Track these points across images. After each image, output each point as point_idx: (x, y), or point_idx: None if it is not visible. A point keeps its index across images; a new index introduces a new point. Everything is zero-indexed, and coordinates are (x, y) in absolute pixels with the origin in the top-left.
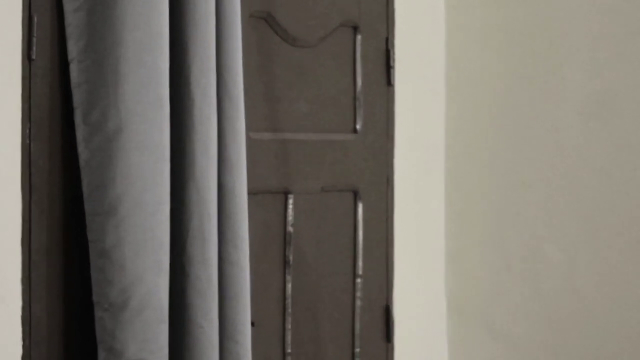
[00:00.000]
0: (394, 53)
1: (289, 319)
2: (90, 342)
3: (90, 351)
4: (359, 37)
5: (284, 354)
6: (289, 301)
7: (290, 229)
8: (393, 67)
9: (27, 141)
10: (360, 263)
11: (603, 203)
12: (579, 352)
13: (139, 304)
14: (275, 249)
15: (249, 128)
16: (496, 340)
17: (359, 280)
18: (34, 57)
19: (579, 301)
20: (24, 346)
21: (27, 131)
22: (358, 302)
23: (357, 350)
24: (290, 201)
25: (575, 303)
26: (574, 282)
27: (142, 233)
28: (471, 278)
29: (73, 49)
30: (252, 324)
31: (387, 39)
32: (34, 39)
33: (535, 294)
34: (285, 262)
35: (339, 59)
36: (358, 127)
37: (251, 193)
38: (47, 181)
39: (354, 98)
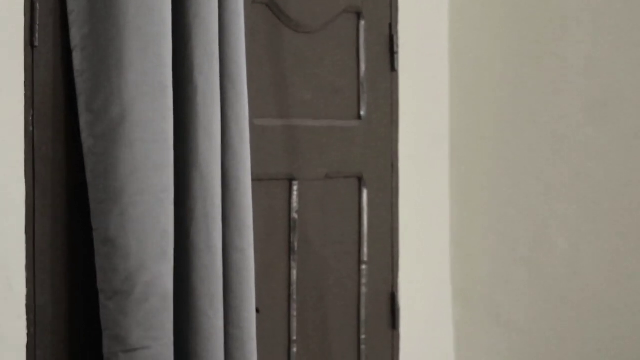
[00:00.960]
0: (397, 39)
1: (294, 306)
2: (95, 329)
3: (95, 338)
4: (362, 22)
5: (289, 341)
6: (294, 288)
7: (295, 215)
8: (397, 53)
9: (30, 128)
10: (365, 250)
11: (608, 191)
12: (584, 340)
13: (144, 291)
14: (280, 235)
15: (252, 114)
16: (501, 327)
17: (364, 266)
18: (36, 44)
19: (584, 289)
20: (28, 334)
21: (30, 118)
22: (363, 289)
23: (363, 337)
24: (295, 188)
25: (580, 291)
26: (579, 270)
27: (147, 220)
28: (476, 265)
29: (76, 36)
30: (257, 310)
31: (390, 25)
32: (37, 26)
33: (540, 281)
34: (290, 249)
35: (343, 45)
36: (362, 113)
37: (255, 180)
38: (50, 168)
39: (358, 84)
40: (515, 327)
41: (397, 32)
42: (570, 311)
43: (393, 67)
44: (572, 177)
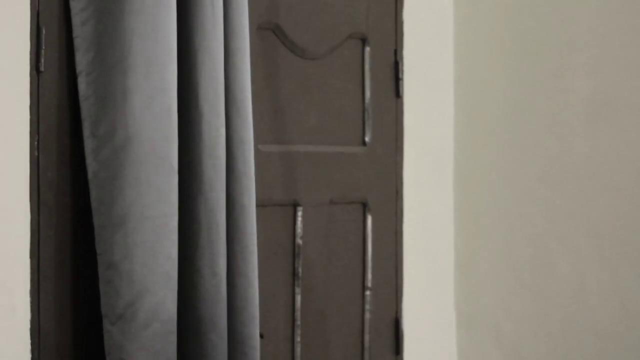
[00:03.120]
0: (402, 65)
1: (298, 332)
2: (99, 354)
3: None
4: (367, 49)
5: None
6: (298, 314)
7: (299, 241)
8: (402, 79)
9: (36, 153)
10: (369, 275)
11: (614, 216)
12: None
13: (147, 316)
14: (284, 261)
15: (257, 140)
16: (505, 352)
17: (368, 292)
18: (42, 69)
19: (588, 315)
20: (32, 358)
21: (36, 143)
22: (367, 315)
23: None
24: (299, 213)
25: (584, 317)
26: (583, 296)
27: (151, 245)
28: (480, 290)
29: (81, 60)
30: (261, 335)
31: (395, 51)
32: (42, 51)
33: (544, 306)
34: (294, 275)
35: (348, 70)
36: (367, 139)
37: (260, 205)
38: (55, 193)
39: (363, 110)
40: (519, 353)
41: (402, 59)
42: (574, 338)
43: (398, 94)
44: (577, 204)
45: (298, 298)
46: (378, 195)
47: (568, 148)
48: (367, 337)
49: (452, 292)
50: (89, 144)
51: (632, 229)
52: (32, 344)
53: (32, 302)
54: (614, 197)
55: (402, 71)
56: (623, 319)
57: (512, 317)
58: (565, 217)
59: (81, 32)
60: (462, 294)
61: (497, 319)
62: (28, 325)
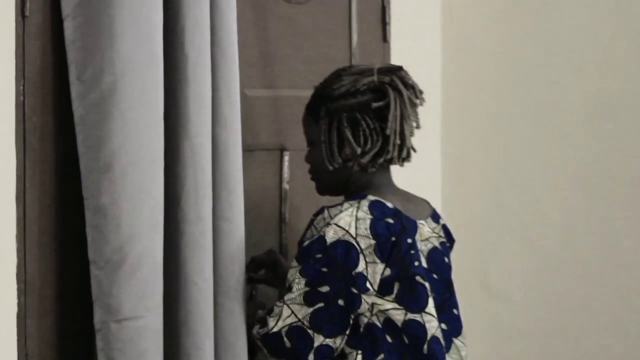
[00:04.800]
0: (389, 9)
1: None
2: (86, 299)
3: (85, 308)
4: None
5: None
6: (285, 258)
7: (286, 186)
8: (389, 24)
9: (21, 97)
10: None
11: (602, 163)
12: (576, 313)
13: (135, 262)
14: (271, 205)
15: (244, 85)
16: (493, 299)
17: None
18: (27, 14)
19: (576, 262)
20: (19, 303)
21: (21, 88)
22: None
23: None
24: (286, 158)
25: (573, 264)
26: (572, 243)
27: (138, 190)
28: (468, 240)
29: (67, 5)
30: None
31: None
32: None
33: (533, 254)
34: (281, 219)
35: (335, 15)
36: None
37: (246, 150)
38: (41, 138)
39: (350, 55)
40: (507, 300)
41: (389, 3)
42: (563, 285)
43: (385, 38)
44: (565, 151)
45: (285, 243)
46: None
47: (558, 93)
48: None
49: None
50: (75, 89)
51: (620, 175)
52: (18, 290)
53: (18, 248)
54: (602, 143)
55: (389, 15)
56: (611, 266)
57: (500, 265)
58: (554, 164)
59: None
60: None
61: (485, 266)
62: (14, 270)
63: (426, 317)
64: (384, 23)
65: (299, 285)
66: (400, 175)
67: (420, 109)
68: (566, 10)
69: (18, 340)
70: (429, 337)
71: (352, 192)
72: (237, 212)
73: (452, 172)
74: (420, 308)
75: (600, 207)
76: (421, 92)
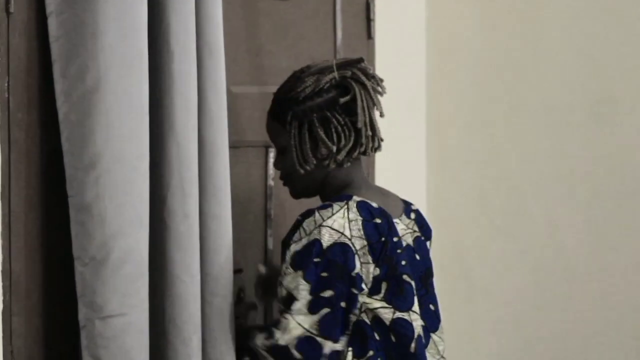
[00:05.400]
0: (374, 6)
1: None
2: (71, 296)
3: (70, 305)
4: None
5: (266, 308)
6: (270, 255)
7: (271, 182)
8: (373, 20)
9: (6, 95)
10: None
11: (587, 160)
12: (559, 309)
13: (120, 258)
14: (257, 202)
15: (230, 82)
16: (477, 295)
17: None
18: (12, 10)
19: (560, 258)
20: (4, 301)
21: (6, 85)
22: None
23: None
24: (271, 155)
25: (556, 260)
26: (556, 240)
27: (123, 187)
28: (453, 235)
29: (51, 1)
30: (240, 270)
31: None
32: None
33: (516, 250)
34: (266, 216)
35: (319, 12)
36: None
37: (232, 147)
38: (26, 134)
39: (335, 52)
40: (491, 296)
41: (373, 0)
42: (545, 279)
43: (369, 35)
44: (549, 147)
45: (270, 240)
46: None
47: (543, 90)
48: None
49: None
50: (59, 86)
51: (605, 173)
52: (3, 287)
53: (2, 244)
54: (587, 140)
55: (374, 12)
56: (595, 262)
57: (484, 260)
58: (538, 160)
59: None
60: (435, 238)
61: (469, 262)
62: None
63: (413, 316)
64: (369, 20)
65: (303, 292)
66: (385, 172)
67: (405, 106)
68: (551, 7)
69: (3, 337)
70: (415, 336)
71: (329, 192)
72: (225, 209)
73: (436, 169)
74: (408, 307)
75: (584, 204)
76: (382, 81)
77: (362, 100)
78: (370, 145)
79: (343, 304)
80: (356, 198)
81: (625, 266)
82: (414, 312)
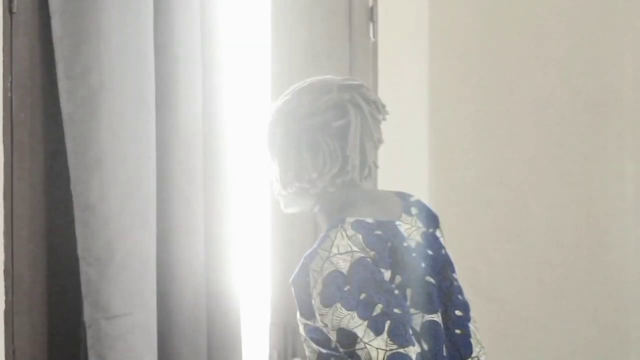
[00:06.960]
0: (377, 7)
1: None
2: (75, 296)
3: (74, 305)
4: None
5: None
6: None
7: None
8: (376, 22)
9: (9, 94)
10: None
11: (590, 161)
12: (564, 312)
13: (125, 257)
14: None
15: None
16: (480, 296)
17: None
18: (15, 10)
19: (565, 261)
20: (6, 300)
21: (9, 84)
22: None
23: None
24: None
25: (561, 263)
26: (560, 242)
27: (127, 186)
28: (457, 238)
29: (54, 1)
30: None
31: None
32: None
33: (521, 253)
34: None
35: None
36: None
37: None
38: (29, 134)
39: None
40: (494, 296)
41: (376, 2)
42: (548, 279)
43: (372, 36)
44: (550, 149)
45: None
46: None
47: (543, 91)
48: None
49: None
50: (63, 85)
51: (603, 171)
52: (5, 286)
53: (5, 244)
54: (590, 140)
55: (377, 14)
56: (599, 264)
57: (487, 261)
58: (540, 161)
59: None
60: None
61: (472, 262)
62: (2, 267)
63: (439, 318)
64: (372, 21)
65: (356, 321)
66: (388, 176)
67: (407, 106)
68: (552, 7)
69: (6, 337)
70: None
71: (324, 210)
72: (231, 209)
73: (439, 171)
74: (434, 309)
75: (588, 206)
76: (383, 107)
77: (355, 126)
78: (358, 173)
79: (397, 310)
80: (349, 219)
81: (625, 266)
82: (438, 314)
